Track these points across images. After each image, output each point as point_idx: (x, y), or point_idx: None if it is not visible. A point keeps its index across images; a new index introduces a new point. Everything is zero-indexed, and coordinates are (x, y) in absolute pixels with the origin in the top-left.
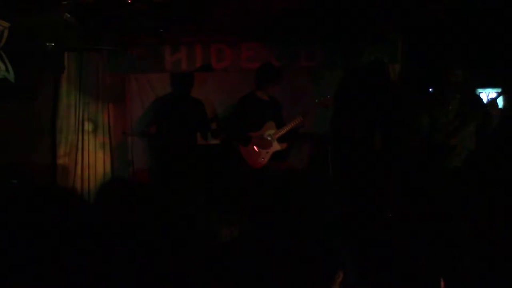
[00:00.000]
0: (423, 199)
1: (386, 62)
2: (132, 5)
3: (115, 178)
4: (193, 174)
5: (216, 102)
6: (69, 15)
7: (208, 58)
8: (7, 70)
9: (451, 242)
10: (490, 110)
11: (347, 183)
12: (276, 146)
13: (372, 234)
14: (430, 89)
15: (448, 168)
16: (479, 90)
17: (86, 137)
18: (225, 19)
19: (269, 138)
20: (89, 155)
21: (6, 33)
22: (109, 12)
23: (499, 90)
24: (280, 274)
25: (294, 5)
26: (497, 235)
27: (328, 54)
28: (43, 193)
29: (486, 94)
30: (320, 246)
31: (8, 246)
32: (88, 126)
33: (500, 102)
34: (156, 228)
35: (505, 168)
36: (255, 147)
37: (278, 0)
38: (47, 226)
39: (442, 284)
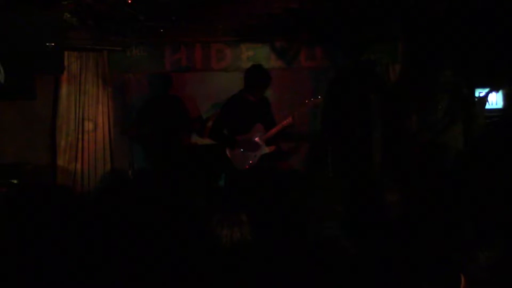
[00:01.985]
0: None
1: (384, 62)
2: (132, 5)
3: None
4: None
5: (216, 101)
6: (69, 15)
7: (208, 58)
8: None
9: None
10: (479, 108)
11: (346, 183)
12: (264, 149)
13: (373, 233)
14: (421, 88)
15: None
16: (479, 90)
17: (86, 137)
18: (225, 19)
19: (257, 141)
20: (89, 155)
21: None
22: (109, 12)
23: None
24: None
25: (294, 5)
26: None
27: (328, 54)
28: (43, 193)
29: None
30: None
31: (9, 246)
32: (88, 126)
33: (500, 101)
34: (152, 227)
35: (493, 167)
36: (242, 150)
37: (278, 0)
38: (47, 225)
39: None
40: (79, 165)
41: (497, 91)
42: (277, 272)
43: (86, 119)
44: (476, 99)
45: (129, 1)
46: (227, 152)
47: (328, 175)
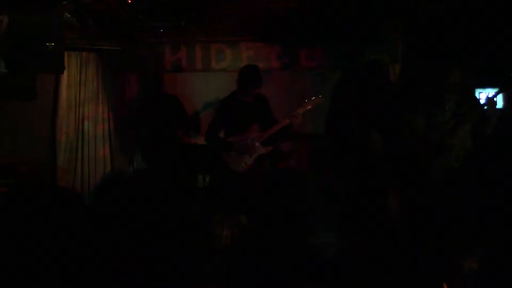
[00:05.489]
0: (422, 199)
1: (386, 62)
2: (132, 5)
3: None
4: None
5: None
6: (69, 15)
7: (208, 58)
8: None
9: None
10: (488, 109)
11: (345, 183)
12: (260, 150)
13: (372, 234)
14: (428, 89)
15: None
16: (479, 90)
17: (86, 137)
18: (225, 19)
19: (252, 142)
20: (89, 154)
21: None
22: (109, 12)
23: (497, 89)
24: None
25: (294, 5)
26: (495, 235)
27: (328, 54)
28: (42, 193)
29: (486, 94)
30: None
31: (9, 246)
32: (88, 126)
33: (499, 101)
34: (150, 226)
35: (503, 168)
36: (237, 152)
37: (278, 0)
38: (47, 225)
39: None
40: (79, 165)
41: (506, 91)
42: (276, 271)
43: (86, 119)
44: (485, 100)
45: (129, 1)
46: (223, 155)
47: (328, 176)
